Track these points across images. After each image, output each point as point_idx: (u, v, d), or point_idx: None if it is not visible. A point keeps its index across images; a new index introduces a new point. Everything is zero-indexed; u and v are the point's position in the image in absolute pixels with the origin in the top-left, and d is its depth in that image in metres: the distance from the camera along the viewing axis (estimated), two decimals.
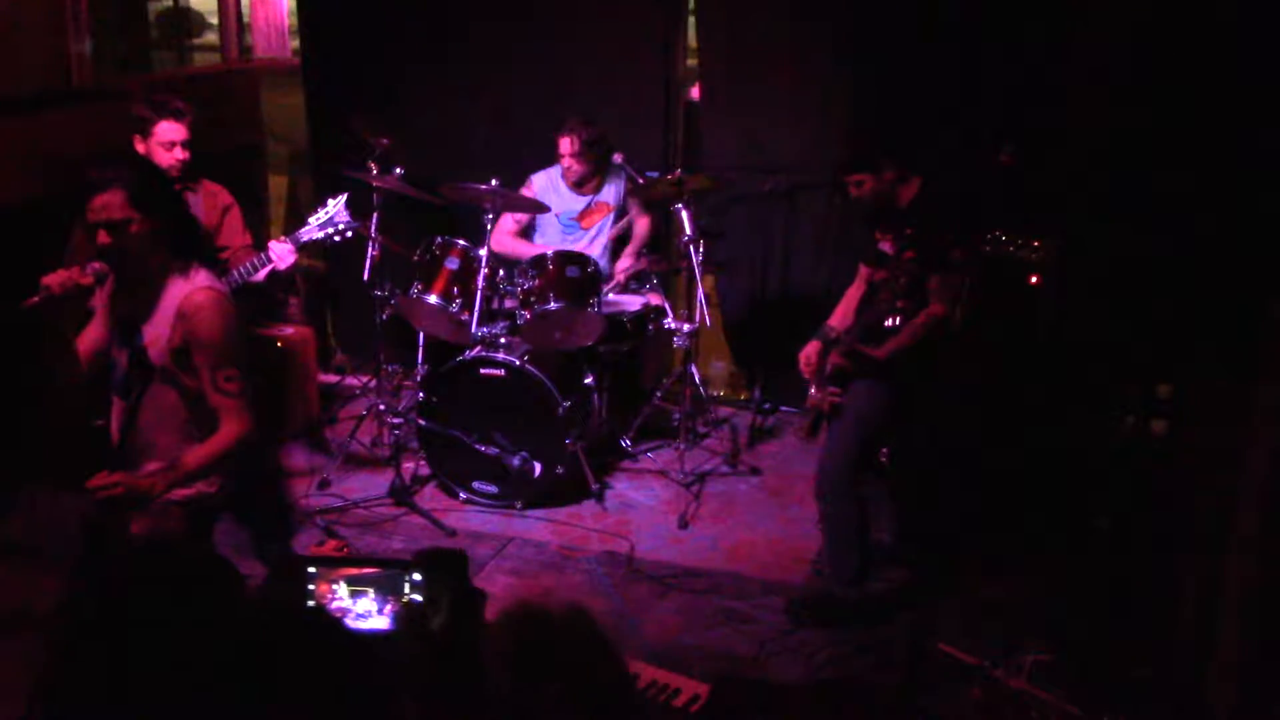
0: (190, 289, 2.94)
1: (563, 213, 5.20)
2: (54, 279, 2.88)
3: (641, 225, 5.38)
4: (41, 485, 4.30)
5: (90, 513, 2.87)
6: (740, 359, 5.92)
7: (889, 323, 3.66)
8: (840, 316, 4.05)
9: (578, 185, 5.18)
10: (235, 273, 4.30)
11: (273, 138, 6.73)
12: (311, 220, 4.44)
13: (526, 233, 5.30)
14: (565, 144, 5.03)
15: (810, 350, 3.94)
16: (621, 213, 5.34)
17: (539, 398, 4.56)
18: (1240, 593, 3.15)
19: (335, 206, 4.43)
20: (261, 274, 4.35)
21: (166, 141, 4.27)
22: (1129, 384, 4.74)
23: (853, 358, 3.73)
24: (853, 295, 4.10)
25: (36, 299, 2.87)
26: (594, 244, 5.24)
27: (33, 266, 2.99)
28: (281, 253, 4.30)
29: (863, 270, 4.08)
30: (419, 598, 2.14)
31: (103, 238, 2.86)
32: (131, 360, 2.98)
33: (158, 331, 2.96)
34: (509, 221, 5.25)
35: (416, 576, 2.20)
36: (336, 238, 4.46)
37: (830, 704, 3.52)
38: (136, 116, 4.28)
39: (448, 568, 2.05)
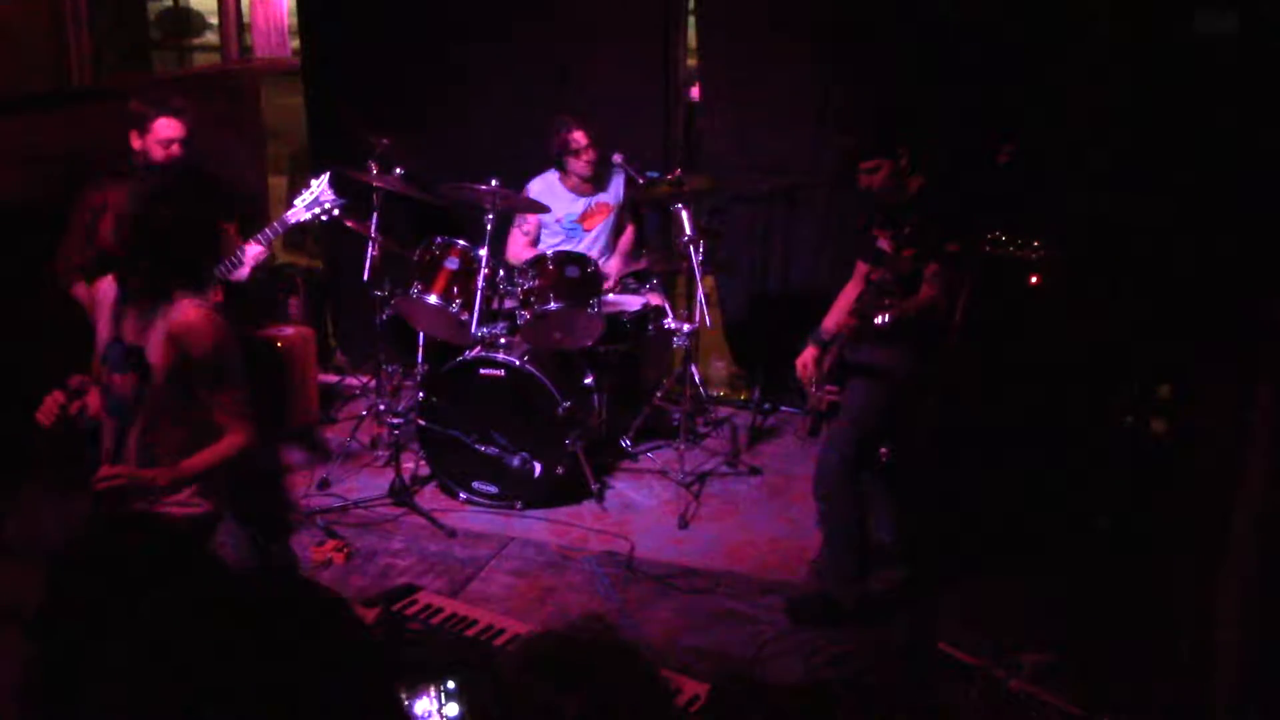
0: (176, 310, 2.93)
1: (564, 216, 5.20)
2: (44, 415, 2.93)
3: (628, 234, 5.38)
4: (41, 485, 4.30)
5: (92, 510, 2.87)
6: (740, 359, 5.92)
7: (879, 320, 3.64)
8: (834, 318, 4.03)
9: (586, 180, 5.16)
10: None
11: (273, 138, 6.73)
12: (297, 202, 4.44)
13: (536, 241, 5.31)
14: (580, 137, 5.02)
15: (806, 356, 3.93)
16: (623, 212, 5.34)
17: (539, 398, 4.56)
18: (1240, 593, 3.15)
19: (319, 186, 4.43)
20: (243, 273, 4.35)
21: (164, 139, 4.27)
22: (1129, 384, 4.74)
23: (861, 319, 3.65)
24: (848, 294, 4.08)
25: (47, 428, 2.91)
26: (595, 245, 5.24)
27: (32, 266, 2.99)
28: (255, 251, 4.32)
29: (860, 268, 4.07)
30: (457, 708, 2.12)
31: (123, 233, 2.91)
32: (138, 384, 2.96)
33: (152, 357, 2.95)
34: (519, 235, 5.26)
35: (451, 684, 2.18)
36: (324, 217, 4.45)
37: (830, 704, 3.51)
38: (134, 112, 4.28)
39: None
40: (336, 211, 4.47)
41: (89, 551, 1.61)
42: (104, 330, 3.08)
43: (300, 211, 4.42)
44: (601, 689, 1.43)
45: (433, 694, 2.16)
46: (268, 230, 4.41)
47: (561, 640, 1.50)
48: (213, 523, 3.15)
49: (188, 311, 2.93)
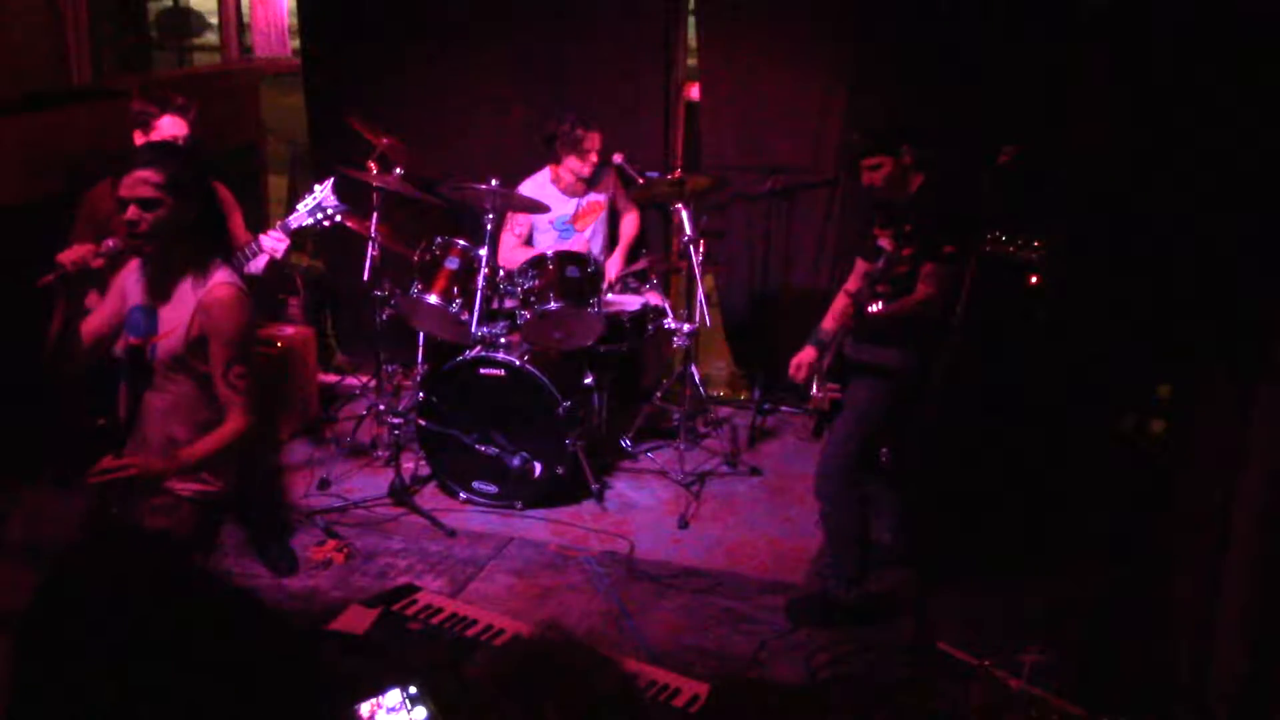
0: (212, 283, 2.99)
1: (556, 218, 5.19)
2: (67, 256, 2.91)
3: (630, 223, 5.37)
4: (41, 485, 4.30)
5: (92, 509, 2.88)
6: (740, 359, 5.93)
7: (872, 308, 3.64)
8: (834, 318, 4.03)
9: (582, 181, 5.16)
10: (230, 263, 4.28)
11: (272, 137, 6.74)
12: (300, 206, 4.43)
13: (528, 242, 5.30)
14: (595, 139, 5.02)
15: (803, 357, 3.89)
16: (616, 203, 5.34)
17: (539, 398, 4.56)
18: (1240, 592, 3.15)
19: (323, 191, 4.42)
20: (259, 264, 4.34)
21: (168, 136, 4.26)
22: (1129, 384, 4.74)
23: (855, 309, 3.66)
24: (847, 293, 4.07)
25: (51, 277, 2.89)
26: (590, 244, 5.24)
27: (33, 266, 3.00)
28: (274, 240, 4.30)
29: (859, 266, 4.07)
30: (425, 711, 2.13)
31: (132, 213, 2.89)
32: (144, 350, 2.99)
33: (176, 322, 2.98)
34: (510, 238, 5.25)
35: (413, 689, 2.18)
36: (326, 222, 4.44)
37: (830, 704, 3.52)
38: (138, 110, 4.28)
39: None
40: (339, 218, 4.46)
41: (81, 559, 1.61)
42: (110, 302, 3.11)
43: (303, 216, 4.41)
44: (571, 699, 1.44)
45: (398, 698, 2.17)
46: (279, 227, 4.39)
47: (527, 653, 1.50)
48: (226, 502, 3.18)
49: (223, 286, 2.99)
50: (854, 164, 3.90)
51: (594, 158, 5.06)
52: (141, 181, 2.88)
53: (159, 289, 3.02)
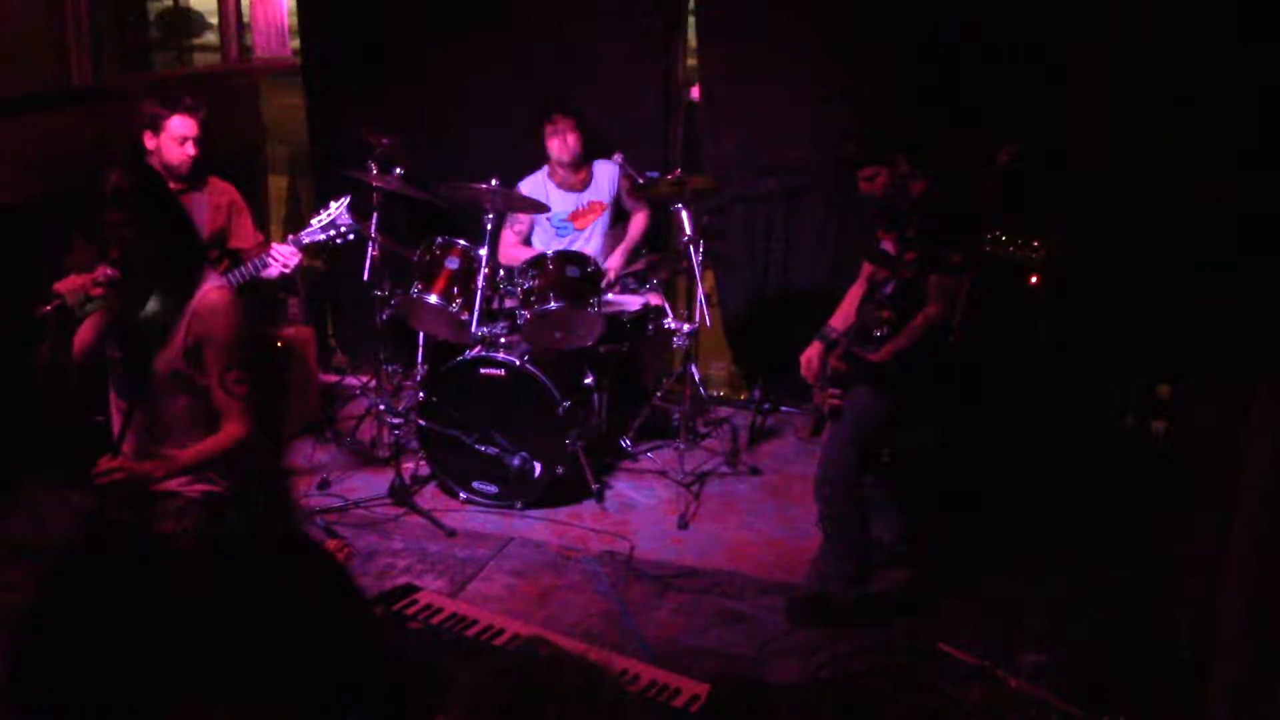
0: (202, 290, 2.97)
1: (554, 215, 5.19)
2: (65, 286, 2.92)
3: (637, 222, 5.36)
4: (42, 484, 4.30)
5: (91, 508, 2.88)
6: (740, 359, 5.92)
7: (878, 333, 3.69)
8: (842, 316, 4.05)
9: (568, 168, 5.16)
10: (242, 269, 4.29)
11: (273, 138, 6.73)
12: (314, 222, 4.43)
13: (527, 240, 5.30)
14: (561, 122, 5.03)
15: (812, 353, 3.95)
16: (618, 210, 5.33)
17: (539, 398, 4.56)
18: (1240, 592, 3.15)
19: (338, 209, 4.42)
20: (270, 274, 4.34)
21: (178, 137, 4.26)
22: (1129, 384, 4.74)
23: (850, 361, 3.74)
24: (855, 294, 4.09)
25: (50, 307, 2.90)
26: (589, 244, 5.24)
27: (33, 266, 3.00)
28: (285, 254, 4.30)
29: (865, 268, 4.07)
30: None
31: (114, 252, 2.90)
32: (129, 362, 2.99)
33: (169, 334, 2.97)
34: (510, 235, 5.25)
35: None
36: (338, 240, 4.45)
37: (830, 704, 3.52)
38: (147, 113, 4.27)
39: None
40: (351, 236, 4.45)
41: (79, 557, 1.60)
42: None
43: (315, 232, 4.40)
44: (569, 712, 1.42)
45: None
46: (291, 241, 4.38)
47: (512, 680, 1.48)
48: (228, 501, 3.17)
49: (213, 290, 2.98)
50: (851, 174, 3.91)
51: (570, 139, 5.06)
52: (115, 224, 2.89)
53: (145, 302, 3.01)
